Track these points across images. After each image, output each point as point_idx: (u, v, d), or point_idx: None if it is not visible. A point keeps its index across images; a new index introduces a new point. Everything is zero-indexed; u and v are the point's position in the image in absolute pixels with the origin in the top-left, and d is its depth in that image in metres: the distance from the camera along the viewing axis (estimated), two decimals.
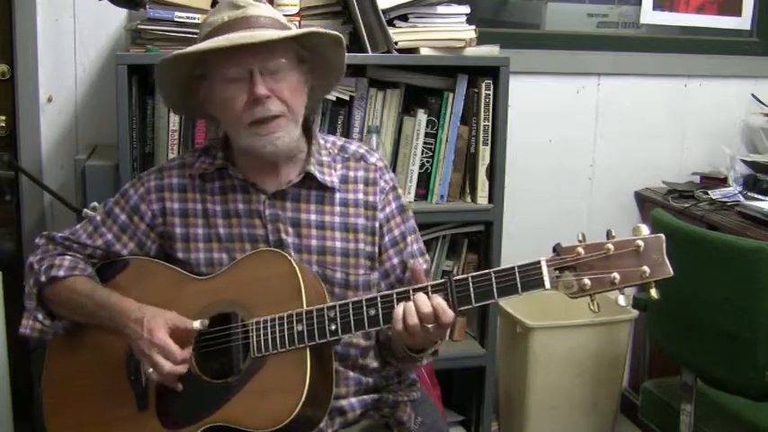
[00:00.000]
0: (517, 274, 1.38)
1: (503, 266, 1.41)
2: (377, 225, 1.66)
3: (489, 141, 2.30)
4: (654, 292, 1.34)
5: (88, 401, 1.62)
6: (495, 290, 1.40)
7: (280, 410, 1.44)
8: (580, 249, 1.35)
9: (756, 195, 2.67)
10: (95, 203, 1.95)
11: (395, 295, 1.46)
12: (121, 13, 2.43)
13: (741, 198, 2.66)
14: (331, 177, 1.64)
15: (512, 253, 2.56)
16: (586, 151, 2.94)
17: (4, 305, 2.15)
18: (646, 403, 2.33)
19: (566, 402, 2.71)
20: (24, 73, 2.38)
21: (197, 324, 1.53)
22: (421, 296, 1.43)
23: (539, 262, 1.38)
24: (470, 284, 1.42)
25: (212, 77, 1.56)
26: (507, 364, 2.76)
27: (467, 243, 2.41)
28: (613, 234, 1.36)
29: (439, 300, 1.42)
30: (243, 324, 1.53)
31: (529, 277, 1.38)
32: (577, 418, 2.74)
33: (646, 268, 1.33)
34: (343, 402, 1.62)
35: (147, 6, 2.06)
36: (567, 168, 2.92)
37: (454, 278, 1.43)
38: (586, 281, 1.35)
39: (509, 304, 2.65)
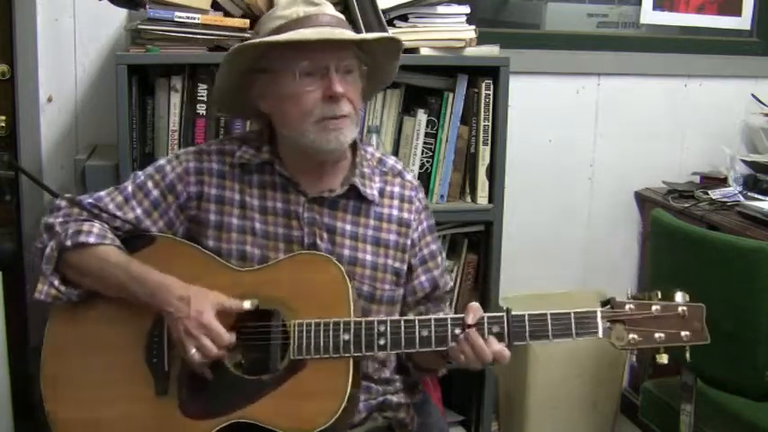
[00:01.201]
0: (573, 319, 1.46)
1: (559, 310, 1.48)
2: (408, 243, 1.66)
3: (489, 141, 2.30)
4: (687, 355, 1.45)
5: (95, 377, 1.55)
6: (550, 331, 1.47)
7: (317, 416, 1.43)
8: (630, 306, 1.45)
9: (756, 195, 2.67)
10: None
11: (449, 321, 1.49)
12: (121, 13, 2.42)
13: (741, 198, 2.66)
14: (371, 190, 1.64)
15: (512, 252, 2.56)
16: (586, 151, 2.93)
17: (4, 305, 2.15)
18: (646, 403, 2.33)
19: (566, 402, 2.71)
20: (24, 73, 2.37)
21: (248, 304, 1.50)
22: (481, 343, 1.48)
23: (595, 312, 1.46)
24: (527, 322, 1.47)
25: (278, 71, 1.54)
26: (507, 365, 2.74)
27: (467, 243, 2.41)
28: (659, 295, 1.46)
29: (497, 347, 1.48)
30: (283, 323, 1.51)
31: (583, 324, 1.46)
32: (577, 418, 2.74)
33: (687, 333, 1.45)
34: None
35: (147, 6, 2.05)
36: (567, 168, 2.91)
37: (512, 314, 1.48)
38: (635, 335, 1.45)
39: (509, 305, 2.65)
